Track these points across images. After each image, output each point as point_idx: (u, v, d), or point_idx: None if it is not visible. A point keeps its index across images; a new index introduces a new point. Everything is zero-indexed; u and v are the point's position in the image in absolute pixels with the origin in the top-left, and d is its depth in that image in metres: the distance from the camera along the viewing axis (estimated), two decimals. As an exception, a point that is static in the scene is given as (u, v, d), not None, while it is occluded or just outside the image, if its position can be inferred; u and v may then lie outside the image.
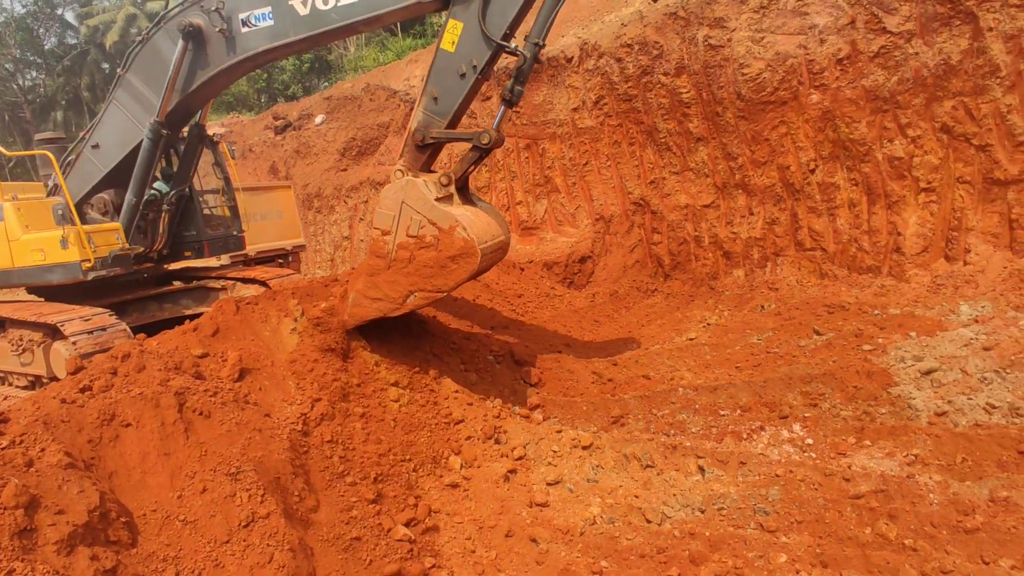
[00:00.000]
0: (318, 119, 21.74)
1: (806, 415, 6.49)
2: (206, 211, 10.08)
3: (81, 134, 9.01)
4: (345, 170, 19.59)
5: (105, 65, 42.95)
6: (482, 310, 9.99)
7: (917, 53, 9.07)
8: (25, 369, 8.39)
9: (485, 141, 6.46)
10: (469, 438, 6.50)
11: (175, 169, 9.50)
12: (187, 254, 9.99)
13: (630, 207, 12.93)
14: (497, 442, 6.51)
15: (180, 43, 7.47)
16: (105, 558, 3.84)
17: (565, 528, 5.40)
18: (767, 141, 10.66)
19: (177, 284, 10.21)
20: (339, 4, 6.65)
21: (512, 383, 7.65)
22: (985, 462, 5.35)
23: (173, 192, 9.36)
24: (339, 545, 4.90)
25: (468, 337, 8.30)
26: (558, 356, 8.62)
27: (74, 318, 7.68)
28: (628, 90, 12.35)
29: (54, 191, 8.96)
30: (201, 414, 5.02)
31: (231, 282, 9.84)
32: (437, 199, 6.28)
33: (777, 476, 5.56)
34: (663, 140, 12.03)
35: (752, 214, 11.16)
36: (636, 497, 5.67)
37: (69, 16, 46.79)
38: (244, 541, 4.41)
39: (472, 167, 6.70)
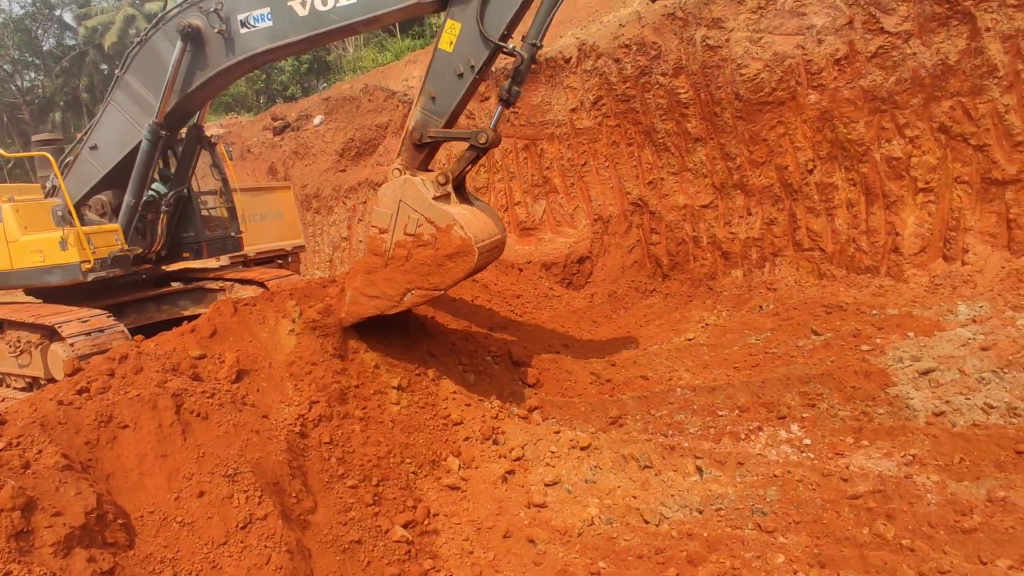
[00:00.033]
0: (316, 120, 21.74)
1: (804, 415, 6.49)
2: (204, 212, 10.07)
3: (79, 135, 9.00)
4: (343, 171, 19.59)
5: (104, 66, 42.93)
6: (480, 310, 9.99)
7: (915, 53, 9.08)
8: (23, 371, 8.38)
9: (482, 140, 6.50)
10: (467, 439, 6.50)
11: (172, 170, 9.49)
12: (185, 255, 9.97)
13: (628, 207, 12.93)
14: (495, 443, 6.51)
15: (179, 44, 7.46)
16: (102, 560, 3.83)
17: (563, 529, 5.40)
18: (765, 141, 10.67)
19: (175, 285, 10.20)
20: (338, 5, 6.66)
21: (510, 384, 7.65)
22: (983, 462, 5.35)
23: (171, 193, 9.35)
24: (337, 546, 4.90)
25: (466, 338, 8.30)
26: (556, 357, 8.62)
27: (71, 320, 7.67)
28: (626, 91, 12.35)
29: (52, 192, 8.95)
30: (199, 416, 5.01)
31: (229, 283, 9.83)
32: (435, 198, 6.31)
33: (775, 476, 5.57)
34: (661, 140, 12.03)
35: (750, 214, 11.17)
36: (634, 498, 5.67)
37: (67, 17, 46.83)
38: (242, 543, 4.40)
39: (469, 166, 6.76)
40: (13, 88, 44.90)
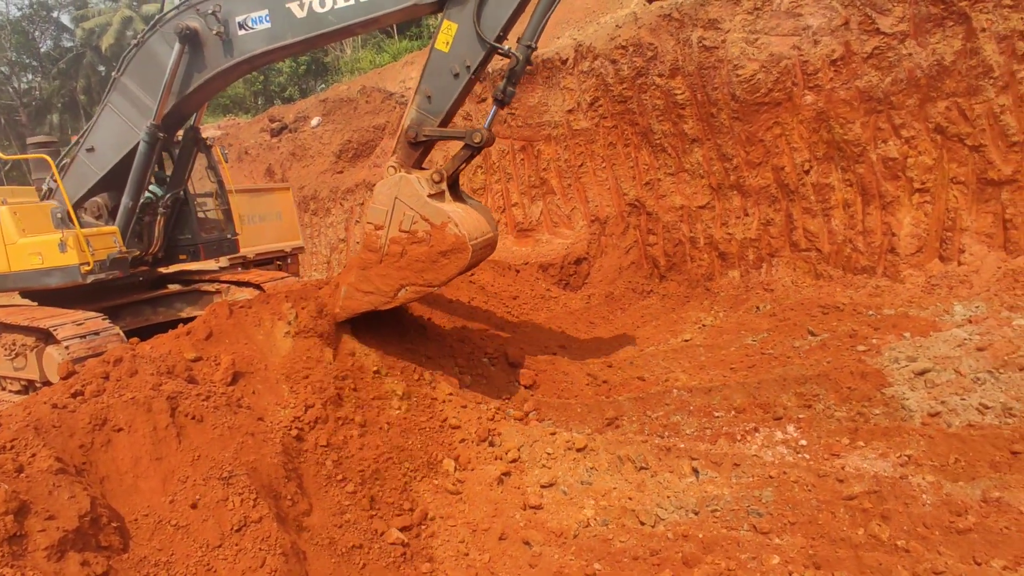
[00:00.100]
0: (314, 121, 21.73)
1: (800, 416, 6.49)
2: (200, 214, 10.06)
3: (75, 138, 8.99)
4: (341, 172, 19.58)
5: (101, 68, 42.89)
6: (477, 312, 9.99)
7: (911, 54, 9.09)
8: (18, 373, 8.37)
9: (477, 140, 6.56)
10: (463, 441, 6.50)
11: (168, 172, 9.48)
12: (182, 257, 9.97)
13: (625, 208, 12.94)
14: (491, 445, 6.51)
15: (177, 46, 7.46)
16: (96, 563, 3.83)
17: (559, 530, 5.40)
18: (762, 142, 10.68)
19: (172, 287, 10.19)
20: (336, 7, 6.68)
21: (507, 385, 7.65)
22: (978, 463, 5.36)
23: (168, 195, 9.35)
24: (332, 549, 4.89)
25: (463, 339, 8.30)
26: (553, 358, 8.62)
27: (67, 322, 7.65)
28: (623, 92, 12.36)
29: (48, 195, 8.93)
30: (193, 418, 5.01)
31: (225, 285, 9.82)
32: (429, 195, 6.39)
33: (771, 477, 5.57)
34: (658, 141, 12.04)
35: (747, 215, 11.17)
36: (630, 499, 5.67)
37: (65, 19, 46.83)
38: (236, 545, 4.40)
39: (463, 165, 6.84)
40: (10, 90, 44.87)
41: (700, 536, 5.05)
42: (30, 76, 47.15)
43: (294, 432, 5.57)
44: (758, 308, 10.08)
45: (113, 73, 8.34)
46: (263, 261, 13.35)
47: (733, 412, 6.79)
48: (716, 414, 6.80)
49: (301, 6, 6.82)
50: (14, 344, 8.30)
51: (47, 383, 7.79)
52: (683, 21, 11.17)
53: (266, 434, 5.34)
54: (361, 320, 6.95)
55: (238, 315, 6.46)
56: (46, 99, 44.81)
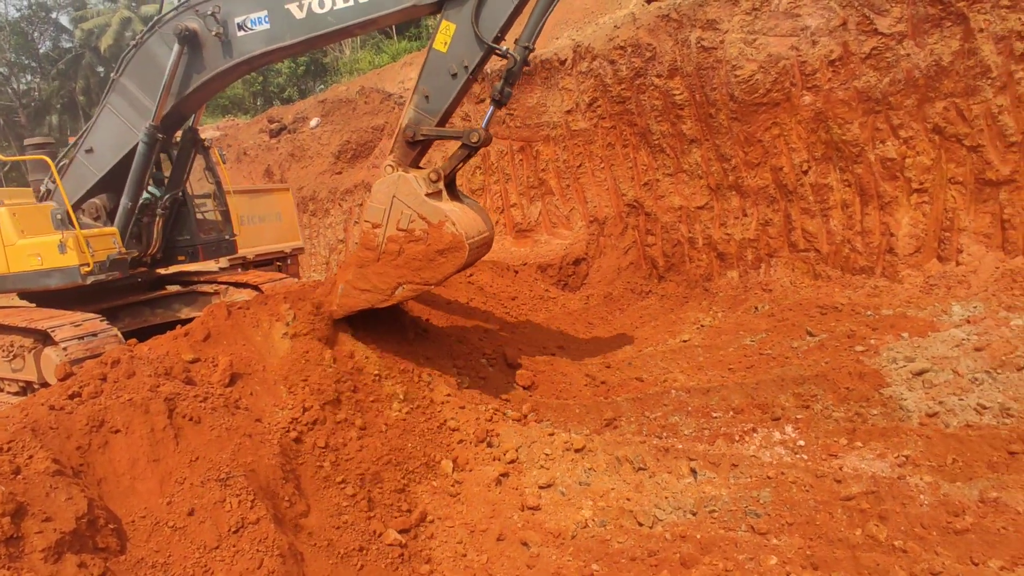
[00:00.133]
0: (313, 122, 21.74)
1: (798, 417, 6.49)
2: (199, 215, 10.06)
3: (73, 139, 8.98)
4: (340, 173, 19.58)
5: (100, 69, 42.89)
6: (476, 313, 9.99)
7: (909, 54, 9.10)
8: (16, 375, 8.36)
9: (474, 140, 6.61)
10: (461, 442, 6.50)
11: (166, 174, 9.48)
12: (180, 258, 9.96)
13: (624, 209, 12.94)
14: (489, 445, 6.50)
15: (176, 47, 7.45)
16: (93, 565, 3.83)
17: (556, 531, 5.40)
18: (760, 142, 10.68)
19: (171, 288, 10.18)
20: (335, 7, 6.70)
21: (505, 386, 7.65)
22: (975, 463, 5.36)
23: (167, 196, 9.35)
24: (330, 550, 4.89)
25: (461, 340, 8.30)
26: (551, 359, 8.62)
27: (64, 324, 7.64)
28: (621, 92, 12.36)
29: (45, 196, 8.92)
30: (191, 420, 5.00)
31: (224, 286, 9.82)
32: (427, 194, 6.40)
33: (769, 478, 5.57)
34: (656, 142, 12.04)
35: (746, 215, 11.18)
36: (628, 500, 5.66)
37: (63, 20, 46.79)
38: (234, 547, 4.40)
39: (460, 164, 6.88)
40: (9, 91, 44.85)
41: (698, 537, 5.05)
42: (29, 77, 47.15)
43: (292, 433, 5.56)
44: (756, 308, 10.09)
45: (112, 74, 8.34)
46: (263, 262, 13.37)
47: (731, 413, 6.79)
48: (714, 415, 6.80)
49: (300, 7, 6.83)
50: (12, 346, 8.29)
51: (45, 384, 7.78)
52: (681, 22, 11.18)
53: (264, 435, 5.34)
54: (359, 321, 6.95)
55: (236, 316, 6.46)
56: (45, 100, 44.80)
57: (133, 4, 42.35)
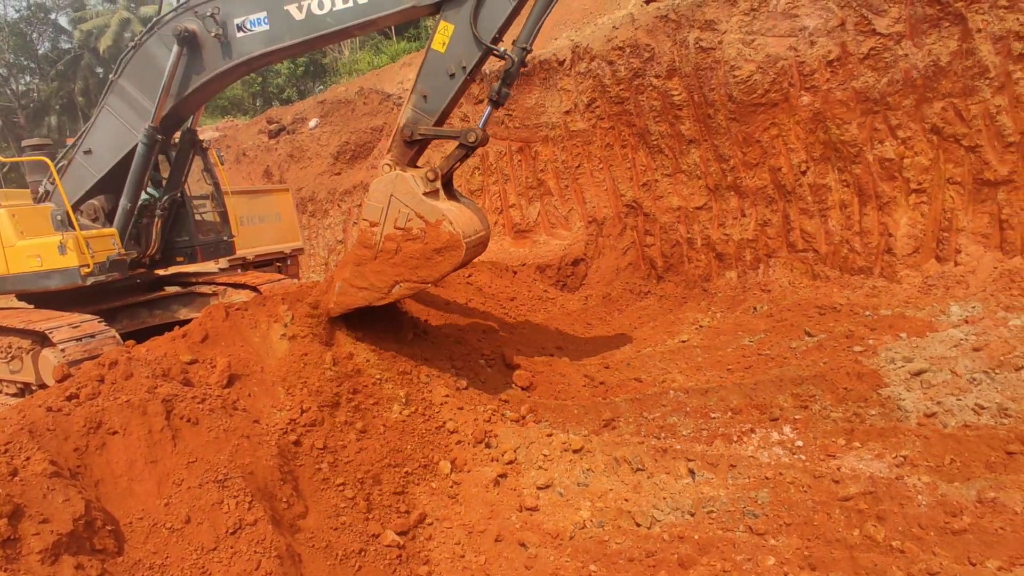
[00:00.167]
0: (312, 123, 21.74)
1: (796, 417, 6.49)
2: (197, 216, 10.07)
3: (72, 140, 8.98)
4: (339, 174, 19.59)
5: (99, 69, 42.89)
6: (474, 313, 9.98)
7: (907, 55, 9.10)
8: (14, 376, 8.36)
9: (471, 140, 6.64)
10: (459, 443, 6.50)
11: (165, 175, 9.49)
12: (179, 259, 9.97)
13: (623, 209, 12.94)
14: (488, 446, 6.50)
15: (175, 48, 7.46)
16: (90, 567, 3.82)
17: (554, 532, 5.40)
18: (758, 143, 10.69)
19: (169, 289, 10.19)
20: (334, 8, 6.71)
21: (503, 387, 7.64)
22: (973, 463, 5.36)
23: (166, 197, 9.36)
24: (328, 551, 4.89)
25: (460, 341, 8.29)
26: (550, 359, 8.61)
27: (62, 325, 7.65)
28: (620, 93, 12.37)
29: (44, 197, 8.92)
30: (189, 421, 5.00)
31: (222, 287, 9.82)
32: (424, 194, 6.42)
33: (767, 479, 5.56)
34: (655, 142, 12.05)
35: (744, 216, 11.18)
36: (626, 500, 5.66)
37: (63, 21, 46.78)
38: (231, 548, 4.40)
39: (458, 164, 6.92)
40: (8, 92, 44.85)
41: (696, 537, 5.04)
42: (28, 78, 47.16)
43: (290, 435, 5.56)
44: (755, 309, 10.09)
45: (111, 75, 8.34)
46: (263, 263, 13.37)
47: (729, 413, 6.79)
48: (712, 415, 6.80)
49: (299, 8, 6.84)
50: (10, 347, 8.30)
51: (43, 386, 7.78)
52: (680, 22, 11.18)
53: (262, 436, 5.33)
54: (357, 321, 6.95)
55: (234, 317, 6.46)
56: (44, 101, 44.80)
57: (132, 5, 42.36)
